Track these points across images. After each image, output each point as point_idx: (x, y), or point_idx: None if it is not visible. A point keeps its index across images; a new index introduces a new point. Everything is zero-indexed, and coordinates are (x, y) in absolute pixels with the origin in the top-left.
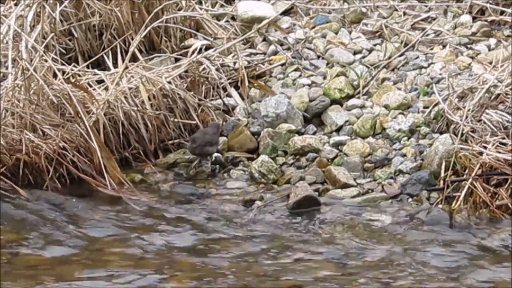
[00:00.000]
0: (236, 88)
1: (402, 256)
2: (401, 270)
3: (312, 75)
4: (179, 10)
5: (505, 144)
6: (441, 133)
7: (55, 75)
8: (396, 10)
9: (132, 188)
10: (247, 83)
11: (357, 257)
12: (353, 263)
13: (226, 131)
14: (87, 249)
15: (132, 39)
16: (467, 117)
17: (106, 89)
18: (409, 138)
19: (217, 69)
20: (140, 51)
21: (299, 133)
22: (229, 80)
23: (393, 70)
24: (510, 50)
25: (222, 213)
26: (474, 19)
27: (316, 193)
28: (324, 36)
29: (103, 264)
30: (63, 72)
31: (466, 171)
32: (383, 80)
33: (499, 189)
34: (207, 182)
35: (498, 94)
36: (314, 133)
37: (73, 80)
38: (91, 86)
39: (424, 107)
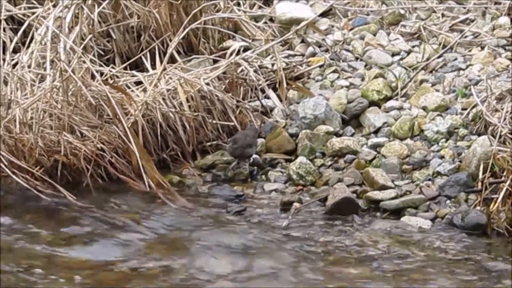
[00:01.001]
0: (274, 89)
1: (438, 260)
2: (436, 273)
3: (350, 77)
4: (217, 11)
5: None
6: (479, 135)
7: (93, 77)
8: (435, 11)
9: (171, 189)
10: (285, 85)
11: (393, 260)
12: (389, 266)
13: (264, 132)
14: (128, 251)
15: (170, 40)
16: (505, 118)
17: (144, 90)
18: (447, 140)
19: (255, 71)
20: (178, 52)
21: (337, 134)
22: (267, 82)
23: (431, 71)
24: None
25: (260, 214)
26: None
27: (354, 195)
28: (362, 38)
29: (142, 267)
30: (101, 74)
31: (504, 173)
32: (421, 81)
33: None
34: (245, 184)
35: None
36: (352, 135)
37: (111, 82)
38: (129, 88)
39: (462, 109)
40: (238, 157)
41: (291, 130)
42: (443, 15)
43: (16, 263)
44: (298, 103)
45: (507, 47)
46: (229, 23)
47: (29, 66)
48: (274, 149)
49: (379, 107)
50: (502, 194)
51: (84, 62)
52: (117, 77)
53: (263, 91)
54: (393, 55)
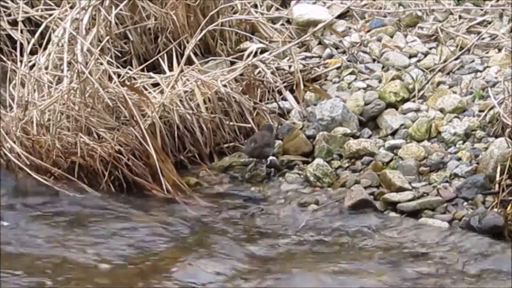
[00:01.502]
0: (291, 91)
1: (455, 261)
2: (452, 274)
3: (367, 79)
4: (234, 13)
5: None
6: (496, 137)
7: (110, 78)
8: (452, 13)
9: (188, 191)
10: (302, 87)
11: (409, 260)
12: (406, 267)
13: (281, 134)
14: (145, 253)
15: (188, 42)
16: None
17: (162, 92)
18: (464, 141)
19: (272, 73)
20: (196, 54)
21: (354, 136)
22: (285, 84)
23: (448, 73)
24: None
25: (277, 216)
26: None
27: (371, 196)
28: (379, 40)
29: (163, 269)
30: (118, 75)
31: None
32: (439, 83)
33: None
34: (262, 185)
35: None
36: (369, 137)
37: (128, 83)
38: (146, 89)
39: (480, 111)
40: (256, 157)
41: (308, 132)
42: (460, 17)
43: (29, 266)
44: (315, 105)
45: None
46: (246, 25)
47: (46, 68)
48: (291, 151)
49: (396, 109)
50: None
51: (101, 63)
52: (134, 78)
53: (280, 93)
54: (410, 57)
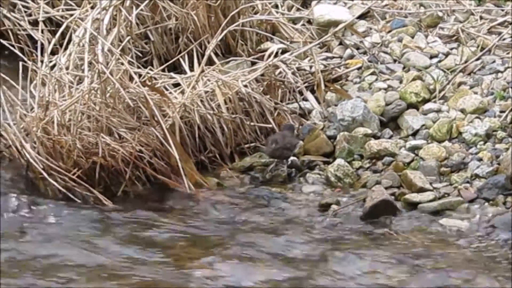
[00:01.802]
0: (312, 91)
1: (476, 261)
2: (474, 274)
3: (388, 79)
4: (255, 13)
5: None
6: None
7: (131, 78)
8: (473, 14)
9: (211, 189)
10: (323, 87)
11: (431, 260)
12: (428, 266)
13: (302, 134)
14: (165, 251)
15: (208, 42)
16: None
17: (182, 92)
18: (485, 142)
19: (293, 73)
20: (216, 54)
21: (375, 137)
22: (305, 84)
23: (469, 74)
24: None
25: (298, 216)
26: None
27: (392, 197)
28: (400, 40)
29: (183, 269)
30: (139, 76)
31: None
32: (460, 84)
33: None
34: (283, 185)
35: None
36: (390, 137)
37: (149, 84)
38: (167, 90)
39: (501, 111)
40: (277, 158)
41: (329, 132)
42: (481, 18)
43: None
44: (336, 105)
45: None
46: (267, 25)
47: (67, 68)
48: (312, 151)
49: (417, 109)
50: None
51: (122, 64)
52: (155, 79)
53: (301, 93)
54: (431, 57)
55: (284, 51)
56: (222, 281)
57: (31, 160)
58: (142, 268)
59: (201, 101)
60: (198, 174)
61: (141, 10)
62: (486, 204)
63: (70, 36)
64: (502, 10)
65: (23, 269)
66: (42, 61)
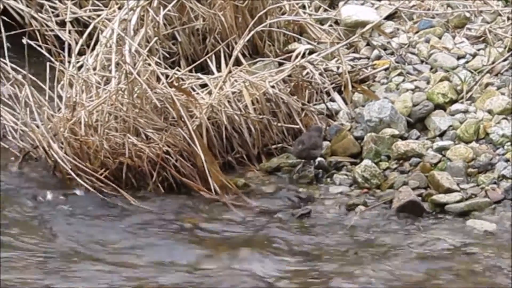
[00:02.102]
0: (340, 92)
1: (503, 262)
2: (501, 275)
3: (415, 80)
4: (282, 14)
5: None
6: None
7: (158, 79)
8: (500, 15)
9: (237, 192)
10: (350, 88)
11: (458, 260)
12: (455, 267)
13: (330, 135)
14: (192, 254)
15: (236, 43)
16: None
17: (210, 93)
18: None
19: (320, 74)
20: (244, 55)
21: (402, 138)
22: (333, 85)
23: (496, 75)
24: None
25: (325, 217)
26: None
27: (419, 198)
28: (427, 41)
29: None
30: (166, 76)
31: None
32: (487, 85)
33: None
34: (310, 186)
35: None
36: (417, 138)
37: (176, 84)
38: (194, 90)
39: None
40: (304, 159)
41: (356, 133)
42: (508, 18)
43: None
44: (363, 106)
45: None
46: (295, 26)
47: (94, 69)
48: (339, 152)
49: (445, 110)
50: None
51: (149, 64)
52: (182, 79)
53: (328, 94)
54: (458, 58)
55: (311, 52)
56: (248, 281)
57: (59, 160)
58: (170, 266)
59: (228, 101)
60: (223, 176)
61: (169, 10)
62: None
63: (98, 36)
64: None
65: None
66: (69, 62)
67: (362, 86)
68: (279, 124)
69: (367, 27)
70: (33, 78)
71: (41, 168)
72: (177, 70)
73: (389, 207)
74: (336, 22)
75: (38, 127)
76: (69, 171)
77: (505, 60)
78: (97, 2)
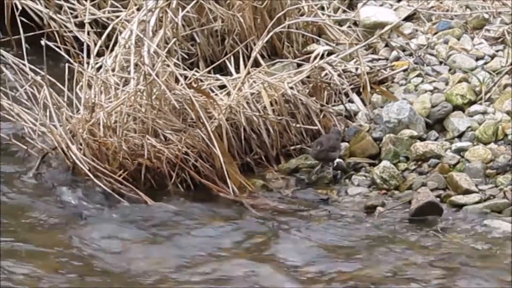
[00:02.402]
0: (358, 93)
1: None
2: None
3: (434, 81)
4: (301, 15)
5: None
6: None
7: (177, 80)
8: None
9: (256, 193)
10: (369, 89)
11: (476, 261)
12: (473, 267)
13: (348, 136)
14: (207, 255)
15: (254, 44)
16: None
17: (228, 94)
18: None
19: (339, 75)
20: (262, 56)
21: (421, 139)
22: (351, 86)
23: None
24: None
25: (343, 218)
26: None
27: (438, 199)
28: (446, 42)
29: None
30: (185, 77)
31: None
32: (505, 86)
33: None
34: (329, 187)
35: None
36: (436, 139)
37: (195, 85)
38: (213, 91)
39: None
40: (322, 160)
41: (375, 134)
42: None
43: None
44: (382, 107)
45: None
46: (313, 27)
47: (113, 70)
48: (357, 153)
49: (463, 111)
50: None
51: (168, 65)
52: (201, 80)
53: (347, 95)
54: (477, 59)
55: (330, 53)
56: (266, 281)
57: (77, 162)
58: (185, 267)
59: (247, 103)
60: (241, 177)
61: (187, 12)
62: None
63: (116, 38)
64: None
65: None
66: (88, 63)
67: (380, 87)
68: (297, 125)
69: (386, 28)
70: (52, 79)
71: (59, 169)
72: (196, 71)
73: (408, 208)
74: (355, 23)
75: (56, 128)
76: (88, 172)
77: None
78: (115, 3)
